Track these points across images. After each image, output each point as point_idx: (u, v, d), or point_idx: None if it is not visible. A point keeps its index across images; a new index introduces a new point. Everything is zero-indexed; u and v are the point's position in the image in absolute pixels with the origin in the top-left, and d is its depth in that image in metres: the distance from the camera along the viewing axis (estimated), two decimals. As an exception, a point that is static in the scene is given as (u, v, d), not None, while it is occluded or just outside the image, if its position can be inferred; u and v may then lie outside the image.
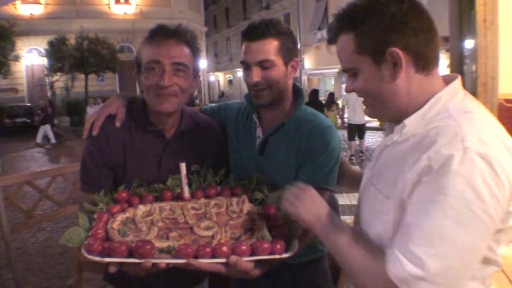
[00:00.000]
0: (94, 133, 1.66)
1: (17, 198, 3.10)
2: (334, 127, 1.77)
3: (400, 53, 1.03)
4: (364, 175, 1.31)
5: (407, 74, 1.06)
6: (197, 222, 1.45)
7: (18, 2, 23.47)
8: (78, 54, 21.32)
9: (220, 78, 49.37)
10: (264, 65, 1.65)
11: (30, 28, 23.03)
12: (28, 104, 22.98)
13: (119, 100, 1.76)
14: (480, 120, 1.01)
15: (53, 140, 16.81)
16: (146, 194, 1.62)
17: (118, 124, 1.69)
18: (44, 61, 22.93)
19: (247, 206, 1.54)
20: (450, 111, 1.04)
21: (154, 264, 1.21)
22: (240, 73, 32.72)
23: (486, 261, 1.02)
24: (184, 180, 1.57)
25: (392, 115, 1.15)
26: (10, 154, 14.31)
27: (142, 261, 1.20)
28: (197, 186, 1.70)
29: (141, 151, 1.73)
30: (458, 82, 1.11)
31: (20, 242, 5.33)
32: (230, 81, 46.45)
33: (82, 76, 22.46)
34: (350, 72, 1.14)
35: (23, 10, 24.44)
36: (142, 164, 1.73)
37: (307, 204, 1.23)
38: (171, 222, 1.47)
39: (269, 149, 1.77)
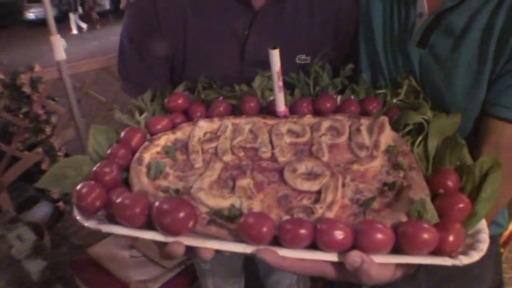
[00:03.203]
0: None
1: (93, 88, 2.77)
2: None
3: None
4: None
5: None
6: (293, 162, 0.84)
7: None
8: None
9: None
10: None
11: None
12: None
13: None
14: None
15: (74, 31, 15.96)
16: (218, 101, 1.05)
17: None
18: None
19: (388, 137, 0.89)
20: None
21: (190, 248, 0.66)
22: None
23: None
24: (277, 80, 0.95)
25: None
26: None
27: (168, 240, 0.65)
28: (302, 93, 1.08)
29: (213, 29, 1.14)
30: None
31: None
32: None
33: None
34: None
35: None
36: (214, 51, 1.15)
37: None
38: (247, 156, 0.89)
39: (439, 38, 1.05)
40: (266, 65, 0.98)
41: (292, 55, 1.17)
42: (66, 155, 2.82)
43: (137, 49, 1.17)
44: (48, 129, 2.58)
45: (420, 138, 0.89)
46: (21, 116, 2.59)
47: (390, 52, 1.15)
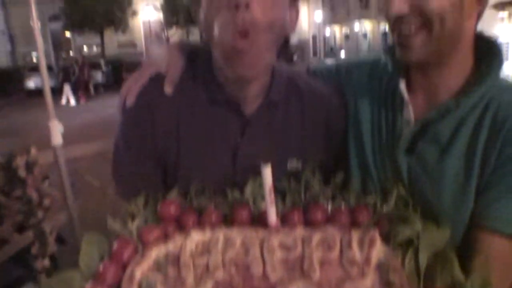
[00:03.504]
0: (129, 102, 1.14)
1: (89, 172, 2.80)
2: None
3: None
4: None
5: None
6: (284, 283, 0.85)
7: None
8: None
9: (336, 32, 44.81)
10: None
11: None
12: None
13: (174, 51, 1.21)
14: None
15: (72, 102, 16.55)
16: (210, 208, 1.06)
17: (169, 89, 1.16)
18: (160, 16, 24.12)
19: (379, 251, 0.90)
20: None
21: None
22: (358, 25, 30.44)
23: None
24: (269, 194, 0.97)
25: None
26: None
27: None
28: (293, 201, 1.10)
29: (205, 136, 1.19)
30: None
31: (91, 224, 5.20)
32: (346, 36, 42.21)
33: (197, 30, 23.19)
34: None
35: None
36: (207, 157, 1.19)
37: None
38: (238, 272, 0.89)
39: (426, 146, 1.08)
40: (258, 170, 1.00)
41: (284, 160, 1.19)
42: (58, 238, 2.79)
43: (132, 154, 1.20)
44: (40, 213, 2.57)
45: (410, 253, 0.89)
46: (13, 198, 2.58)
47: (378, 157, 1.17)
